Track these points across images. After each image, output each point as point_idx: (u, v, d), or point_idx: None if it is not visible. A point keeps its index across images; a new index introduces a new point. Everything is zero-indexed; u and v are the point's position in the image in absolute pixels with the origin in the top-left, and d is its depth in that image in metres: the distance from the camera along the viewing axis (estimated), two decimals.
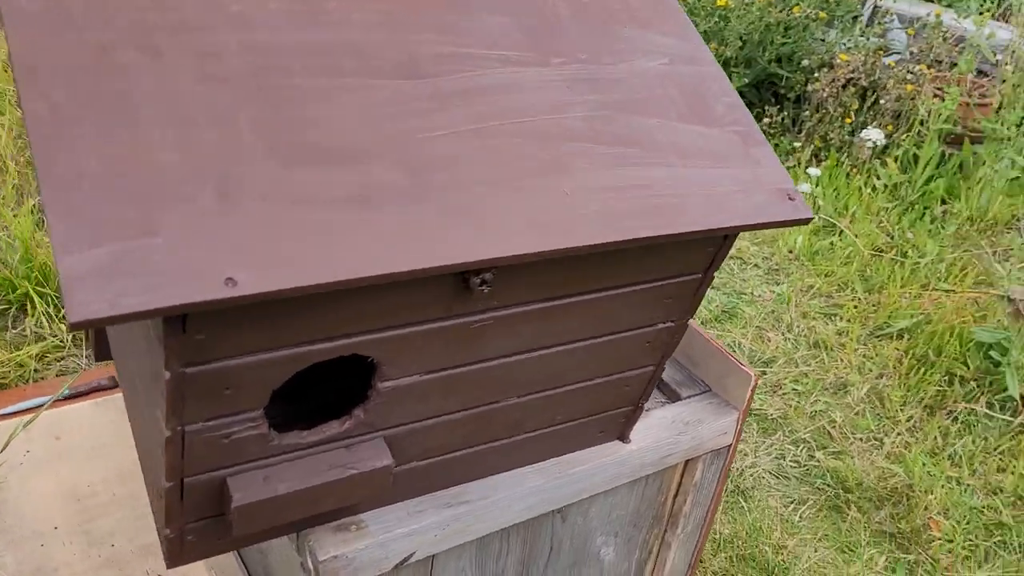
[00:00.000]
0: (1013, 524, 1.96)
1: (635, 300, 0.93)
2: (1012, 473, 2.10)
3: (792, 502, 2.00)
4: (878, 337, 2.58)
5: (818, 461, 2.11)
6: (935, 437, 2.20)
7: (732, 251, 2.95)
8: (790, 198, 0.91)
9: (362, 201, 0.71)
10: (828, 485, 2.05)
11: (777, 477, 2.06)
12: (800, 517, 1.95)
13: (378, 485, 0.88)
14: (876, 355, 2.49)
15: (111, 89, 0.68)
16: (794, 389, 2.35)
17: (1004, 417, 2.27)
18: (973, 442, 2.19)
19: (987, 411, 2.28)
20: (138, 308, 0.59)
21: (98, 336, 1.12)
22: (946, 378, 2.38)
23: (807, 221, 0.91)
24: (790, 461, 2.11)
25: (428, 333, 0.81)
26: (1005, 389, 2.30)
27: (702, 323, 2.56)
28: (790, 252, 2.98)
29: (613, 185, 0.82)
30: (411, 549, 0.98)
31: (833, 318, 2.66)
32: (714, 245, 0.92)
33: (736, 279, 2.82)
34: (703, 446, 1.22)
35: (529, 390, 0.95)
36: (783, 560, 1.82)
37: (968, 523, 1.96)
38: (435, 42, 0.85)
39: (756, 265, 2.91)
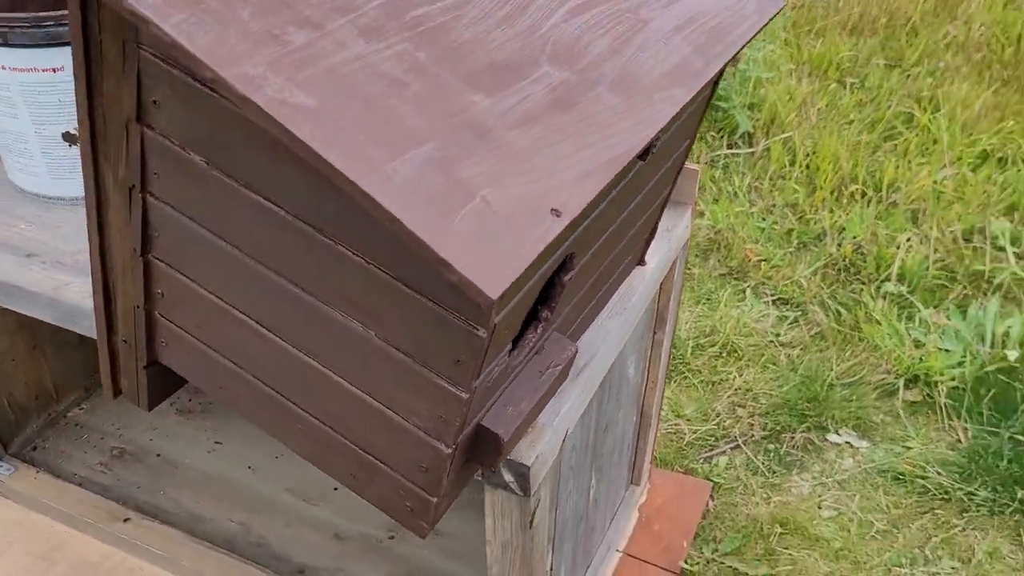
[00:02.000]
0: (798, 226, 2.40)
1: (683, 124, 1.02)
2: (776, 189, 2.53)
3: None
4: None
5: None
6: (711, 186, 2.57)
7: None
8: None
9: (561, 102, 0.72)
10: None
11: None
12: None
13: (569, 370, 0.92)
14: None
15: (320, 74, 0.62)
16: None
17: (748, 150, 2.70)
18: (739, 178, 2.59)
19: (734, 151, 2.69)
20: (527, 261, 0.58)
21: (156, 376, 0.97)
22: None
23: (781, 8, 1.04)
24: None
25: (605, 209, 0.84)
26: (738, 127, 2.72)
27: None
28: None
29: (681, 23, 0.89)
30: (567, 427, 1.04)
31: None
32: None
33: None
34: (679, 245, 1.37)
35: (627, 232, 1.02)
36: None
37: (769, 240, 2.37)
38: None
39: None
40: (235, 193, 0.73)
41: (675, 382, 1.96)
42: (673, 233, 1.32)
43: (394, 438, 0.80)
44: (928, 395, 1.89)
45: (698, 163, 2.66)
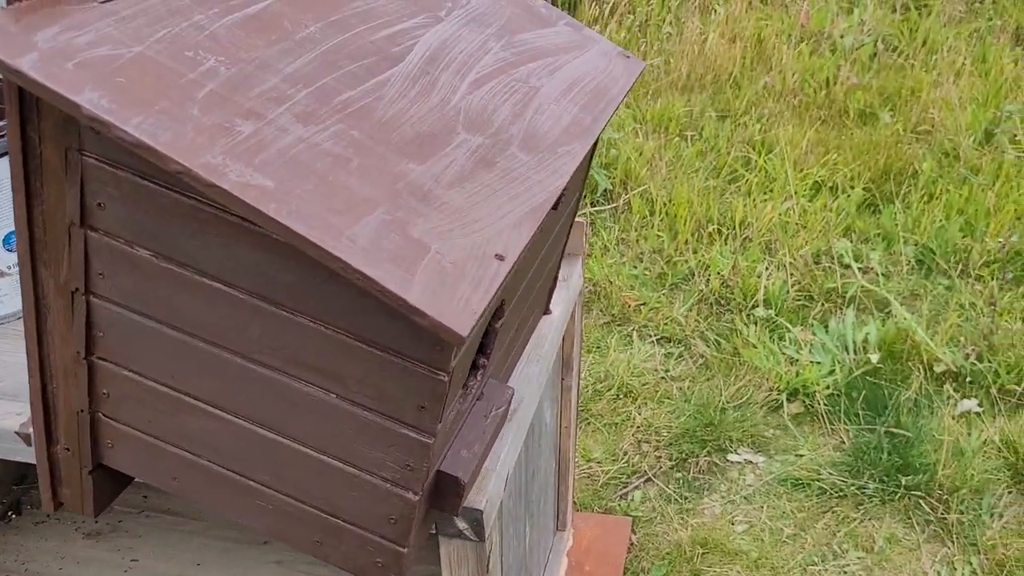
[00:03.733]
0: (667, 269, 2.57)
1: (575, 178, 1.12)
2: (641, 238, 2.71)
3: None
4: None
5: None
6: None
7: None
8: (628, 56, 1.17)
9: (484, 162, 0.81)
10: None
11: None
12: None
13: (507, 411, 0.98)
14: None
15: (272, 158, 0.68)
16: None
17: (610, 206, 2.87)
18: (607, 233, 2.75)
19: (596, 208, 2.86)
20: (485, 303, 0.65)
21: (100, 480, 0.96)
22: None
23: (642, 67, 1.18)
24: None
25: (522, 258, 0.92)
26: (597, 185, 2.89)
27: None
28: None
29: (566, 88, 1.00)
30: (508, 469, 1.10)
31: None
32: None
33: None
34: (576, 293, 1.47)
35: (535, 286, 1.11)
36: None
37: (644, 285, 2.52)
38: (368, 28, 0.91)
39: None
40: (187, 281, 0.76)
41: (580, 428, 2.05)
42: (570, 282, 1.42)
43: (360, 496, 0.83)
44: (809, 405, 2.05)
45: None
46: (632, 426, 2.04)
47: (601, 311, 2.43)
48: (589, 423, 2.06)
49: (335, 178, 0.69)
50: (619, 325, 2.38)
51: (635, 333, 2.34)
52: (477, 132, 0.85)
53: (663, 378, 2.18)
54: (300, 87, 0.77)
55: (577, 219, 1.45)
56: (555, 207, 0.90)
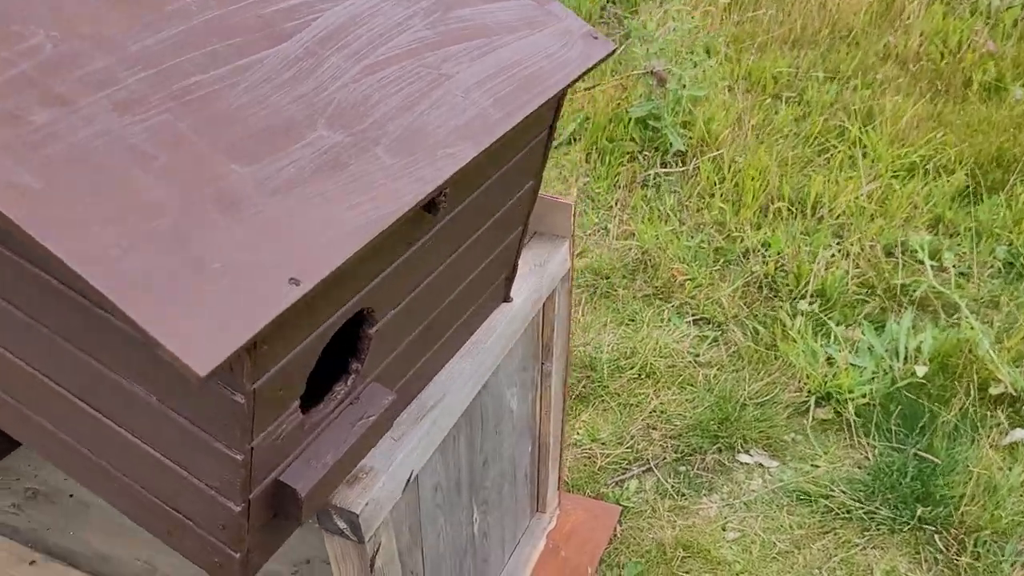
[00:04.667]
0: (725, 244, 2.41)
1: (513, 171, 1.03)
2: (705, 208, 2.55)
3: (572, 306, 2.27)
4: (559, 148, 2.90)
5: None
6: (642, 207, 2.59)
7: None
8: (595, 37, 1.05)
9: (331, 165, 0.74)
10: (590, 280, 2.35)
11: None
12: (583, 314, 2.24)
13: (391, 418, 0.93)
14: (567, 162, 2.81)
15: (57, 153, 0.63)
16: None
17: (679, 169, 2.72)
18: (669, 198, 2.61)
19: (666, 170, 2.71)
20: (250, 334, 0.60)
21: None
22: (627, 157, 2.77)
23: (614, 52, 1.06)
24: None
25: (401, 265, 0.86)
26: (671, 146, 2.73)
27: None
28: None
29: (488, 75, 0.91)
30: (409, 470, 1.05)
31: None
32: (557, 100, 1.05)
33: None
34: (555, 279, 1.39)
35: (457, 284, 1.04)
36: (592, 351, 2.11)
37: (696, 258, 2.38)
38: (263, 1, 0.85)
39: None
40: (22, 268, 0.74)
41: (592, 406, 1.98)
42: (546, 268, 1.34)
43: (194, 497, 0.81)
44: (839, 412, 1.90)
45: (632, 183, 2.68)
46: (646, 410, 1.95)
47: (645, 282, 2.32)
48: (603, 401, 1.98)
49: (125, 180, 0.65)
50: (660, 299, 2.27)
51: (674, 310, 2.22)
52: (341, 128, 0.78)
53: (691, 362, 2.07)
54: (137, 69, 0.72)
55: (563, 201, 1.36)
56: (431, 210, 0.83)
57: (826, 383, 1.93)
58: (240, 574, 0.84)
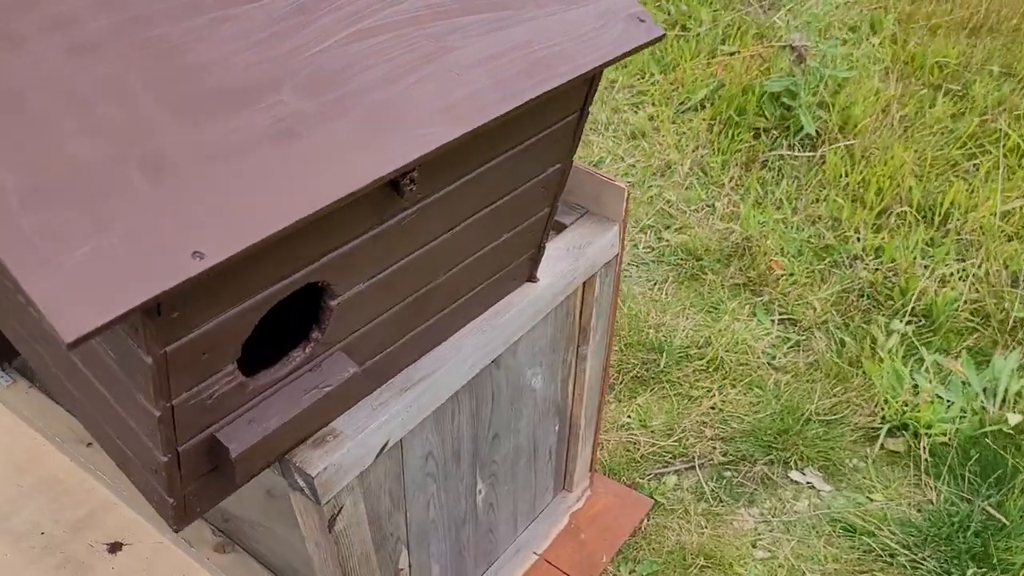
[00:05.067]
0: (836, 243, 2.25)
1: (528, 154, 0.98)
2: (824, 200, 2.38)
3: (655, 283, 2.19)
4: (684, 112, 2.76)
5: (667, 241, 2.30)
6: (756, 189, 2.44)
7: None
8: (641, 20, 0.97)
9: (283, 135, 0.71)
10: (681, 259, 2.25)
11: (636, 266, 2.24)
12: (666, 295, 2.15)
13: (352, 394, 0.92)
14: (688, 130, 2.68)
15: None
16: (628, 182, 2.51)
17: (806, 154, 2.54)
18: (788, 184, 2.45)
19: (792, 153, 2.54)
20: (128, 306, 0.59)
21: None
22: (752, 133, 2.61)
23: (661, 39, 0.97)
24: (643, 248, 2.29)
25: (366, 243, 0.83)
26: (802, 128, 2.55)
27: None
28: None
29: (495, 53, 0.85)
30: (384, 439, 1.04)
31: (640, 106, 2.80)
32: (587, 83, 0.98)
33: None
34: (597, 263, 1.32)
35: (454, 263, 1.00)
36: (664, 335, 2.03)
37: (800, 254, 2.23)
38: None
39: None
40: None
41: (650, 391, 1.91)
42: (584, 252, 1.28)
43: (133, 438, 0.83)
44: (911, 447, 1.75)
45: (751, 162, 2.53)
46: (704, 405, 1.87)
47: (739, 270, 2.20)
48: (663, 387, 1.91)
49: (52, 129, 0.64)
50: (750, 291, 2.14)
51: (762, 305, 2.10)
52: (309, 96, 0.75)
53: (765, 364, 1.95)
54: (103, 14, 0.71)
55: (617, 184, 1.29)
56: (399, 192, 0.79)
57: (904, 413, 1.78)
58: (175, 517, 0.86)
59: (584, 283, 1.35)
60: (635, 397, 1.90)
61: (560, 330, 1.37)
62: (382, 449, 1.05)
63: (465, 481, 1.33)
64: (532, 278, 1.22)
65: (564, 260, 1.26)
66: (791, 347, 1.99)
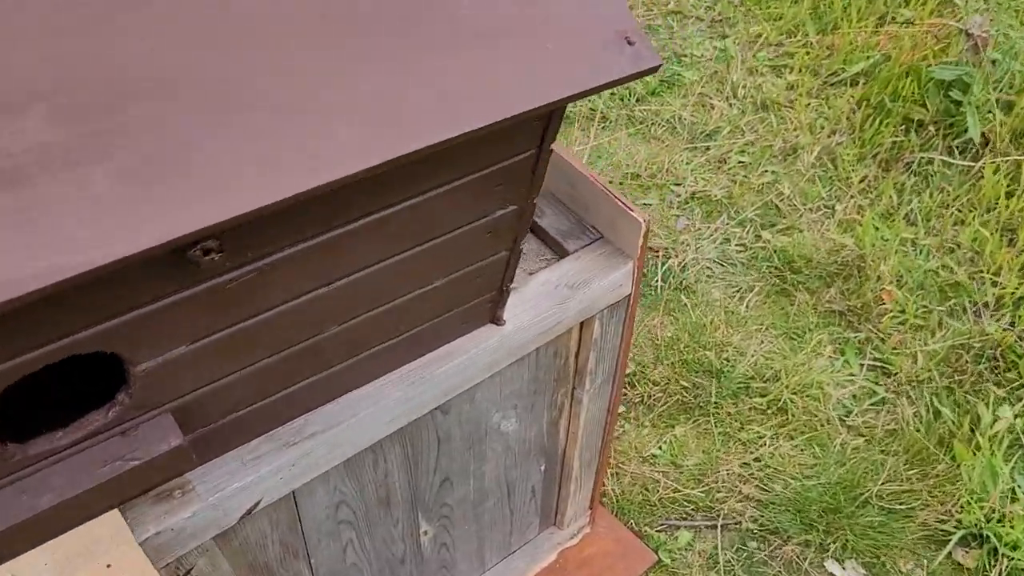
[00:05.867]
0: (967, 283, 1.86)
1: (451, 199, 0.74)
2: (969, 225, 1.97)
3: (737, 291, 1.89)
4: (832, 86, 2.36)
5: (765, 242, 1.98)
6: (890, 196, 2.05)
7: (670, 5, 2.65)
8: (629, 43, 0.70)
9: (10, 182, 0.52)
10: (775, 267, 1.93)
11: (722, 265, 1.95)
12: (746, 307, 1.86)
13: (175, 466, 0.74)
14: (829, 108, 2.29)
15: None
16: (740, 162, 2.17)
17: (964, 163, 2.11)
18: (930, 196, 2.05)
19: (946, 158, 2.12)
20: None
21: None
22: (903, 126, 2.20)
23: (653, 70, 0.70)
24: (735, 245, 1.98)
25: (168, 308, 0.63)
26: (965, 131, 2.12)
27: (636, 100, 2.33)
28: None
29: (380, 86, 0.61)
30: (255, 499, 0.87)
31: (783, 71, 2.42)
32: (541, 119, 0.72)
33: (676, 38, 2.55)
34: (597, 305, 1.08)
35: (350, 315, 0.80)
36: (727, 358, 1.75)
37: (921, 289, 1.87)
38: None
39: (698, 18, 2.62)
40: None
41: (692, 423, 1.65)
42: (582, 290, 1.03)
43: None
44: (987, 563, 1.43)
45: (894, 160, 2.13)
46: (750, 453, 1.60)
47: (841, 293, 1.86)
48: (707, 421, 1.65)
49: None
50: (846, 323, 1.81)
51: (855, 344, 1.77)
52: (68, 120, 0.54)
53: (837, 418, 1.65)
54: None
55: (634, 215, 1.02)
56: (193, 262, 0.59)
57: (988, 521, 1.45)
58: None
59: (581, 323, 1.11)
60: (673, 426, 1.65)
61: (545, 371, 1.14)
62: (250, 510, 0.88)
63: (402, 525, 1.15)
64: (496, 320, 0.99)
65: (548, 299, 1.02)
66: (874, 404, 1.67)
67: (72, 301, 0.58)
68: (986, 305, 1.81)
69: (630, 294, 1.11)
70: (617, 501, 1.56)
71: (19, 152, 0.53)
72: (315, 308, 0.75)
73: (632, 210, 1.04)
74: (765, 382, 1.71)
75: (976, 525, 1.46)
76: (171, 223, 0.54)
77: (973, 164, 2.09)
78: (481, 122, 0.63)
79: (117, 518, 0.83)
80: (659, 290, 1.88)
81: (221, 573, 0.92)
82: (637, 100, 2.33)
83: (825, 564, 1.46)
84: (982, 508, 1.47)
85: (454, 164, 0.71)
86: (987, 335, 1.75)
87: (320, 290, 0.73)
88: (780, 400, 1.67)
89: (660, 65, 0.71)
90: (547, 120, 0.73)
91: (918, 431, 1.61)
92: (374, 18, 0.63)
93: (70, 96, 0.55)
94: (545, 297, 1.03)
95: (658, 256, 1.95)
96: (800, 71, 2.40)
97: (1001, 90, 2.14)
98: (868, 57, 2.37)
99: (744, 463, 1.59)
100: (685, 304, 1.85)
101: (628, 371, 1.74)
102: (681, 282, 1.90)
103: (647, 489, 1.57)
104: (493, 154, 0.73)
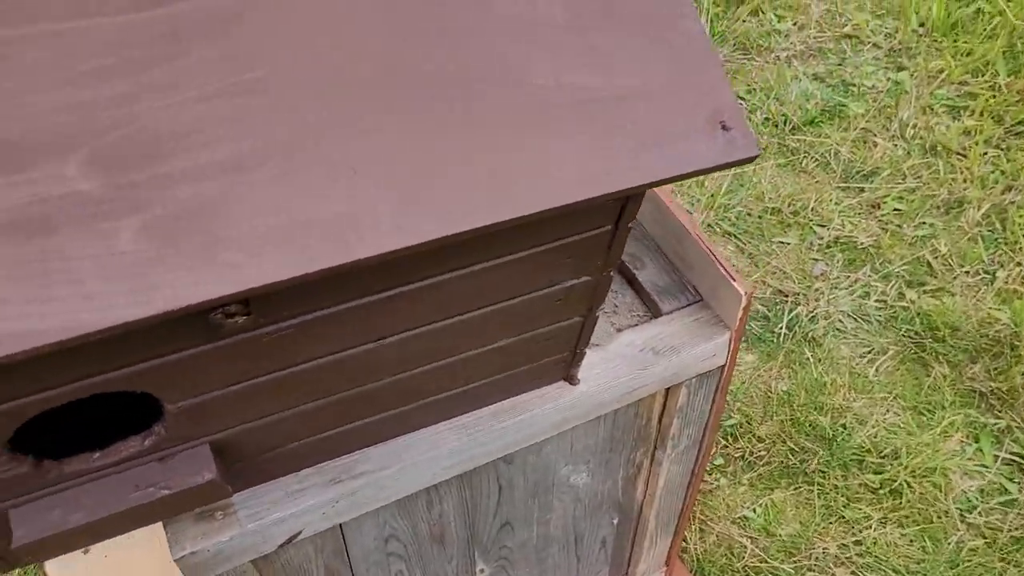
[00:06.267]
0: None
1: (512, 270, 0.70)
2: None
3: (869, 351, 1.75)
4: (1016, 136, 2.14)
5: (909, 302, 1.82)
6: None
7: (845, 28, 2.47)
8: (724, 127, 0.63)
9: (29, 230, 0.52)
10: (916, 332, 1.77)
11: (856, 320, 1.80)
12: (876, 371, 1.71)
13: (204, 496, 0.74)
14: (1008, 162, 2.07)
15: None
16: (896, 209, 2.01)
17: None
18: None
19: None
20: None
21: None
22: None
23: (747, 161, 0.63)
24: (875, 301, 1.83)
25: (197, 357, 0.62)
26: None
27: (791, 128, 2.19)
28: (920, 26, 2.46)
29: (430, 158, 0.57)
30: (295, 529, 0.86)
31: (961, 113, 2.21)
32: (618, 200, 0.67)
33: (847, 65, 2.37)
34: (684, 373, 1.01)
35: (403, 369, 0.77)
36: (844, 425, 1.62)
37: None
38: None
39: (875, 45, 2.43)
40: None
41: (796, 489, 1.54)
42: (669, 357, 0.97)
43: None
44: None
45: None
46: (851, 535, 1.48)
47: (987, 372, 1.69)
48: (809, 490, 1.54)
49: None
50: (987, 406, 1.64)
51: (991, 431, 1.60)
52: (105, 171, 0.54)
53: (956, 512, 1.50)
54: None
55: (737, 287, 0.95)
56: (216, 324, 0.58)
57: None
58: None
59: (667, 388, 1.04)
60: (772, 490, 1.55)
61: (623, 431, 1.08)
62: (290, 539, 0.87)
63: (456, 562, 1.12)
64: (569, 379, 0.94)
65: (630, 363, 0.96)
66: (1003, 503, 1.51)
67: (93, 349, 0.57)
68: None
69: (724, 365, 1.04)
70: (697, 560, 1.48)
71: (53, 198, 0.53)
72: (363, 362, 0.73)
73: (734, 280, 0.96)
74: (882, 458, 1.57)
75: None
76: (189, 288, 0.52)
77: None
78: (535, 207, 0.58)
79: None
80: (781, 338, 1.76)
81: None
82: (792, 129, 2.19)
83: None
84: None
85: (511, 241, 0.66)
86: None
87: (368, 345, 0.71)
88: (896, 481, 1.53)
89: (756, 155, 0.63)
90: (624, 201, 0.67)
91: None
92: (442, 83, 0.59)
93: (113, 144, 0.54)
94: (627, 360, 0.96)
95: (786, 301, 1.83)
96: (981, 115, 2.18)
97: None
98: None
99: (843, 544, 1.47)
100: (808, 358, 1.73)
101: (731, 422, 1.64)
102: (807, 333, 1.77)
103: (732, 553, 1.48)
104: (558, 231, 0.68)
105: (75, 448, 0.70)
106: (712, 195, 2.02)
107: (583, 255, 0.72)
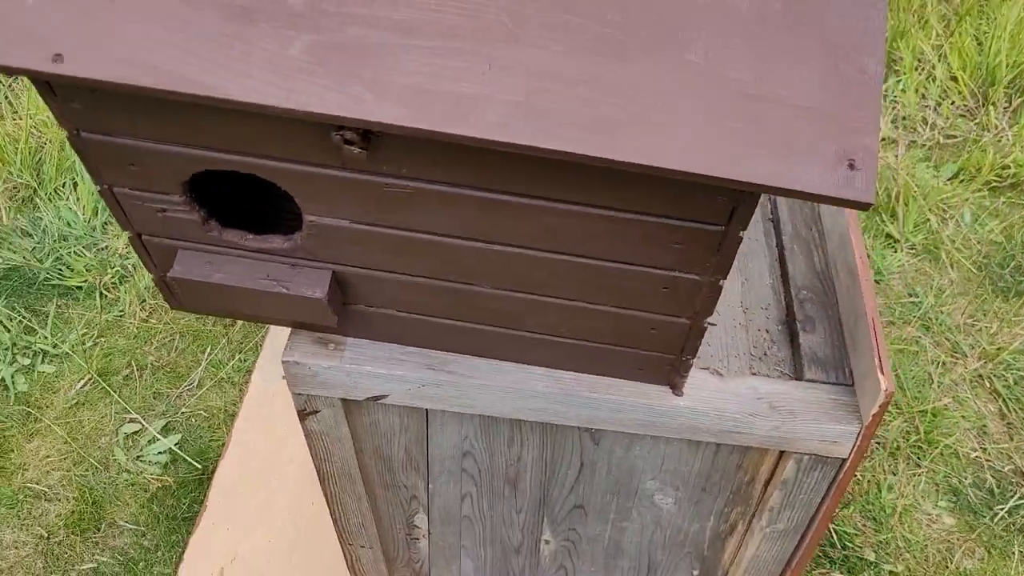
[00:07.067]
0: None
1: (626, 230, 0.74)
2: None
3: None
4: None
5: None
6: None
7: None
8: (851, 165, 0.62)
9: (239, 15, 0.66)
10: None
11: None
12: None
13: (314, 313, 0.87)
14: None
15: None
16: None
17: None
18: None
19: None
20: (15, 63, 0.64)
21: None
22: None
23: (860, 205, 0.61)
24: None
25: (331, 179, 0.74)
26: None
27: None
28: None
29: (567, 75, 0.64)
30: (382, 391, 0.97)
31: None
32: (730, 197, 0.68)
33: None
34: (795, 443, 0.96)
35: (503, 284, 0.84)
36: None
37: None
38: None
39: None
40: None
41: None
42: (783, 419, 0.94)
43: None
44: None
45: None
46: None
47: None
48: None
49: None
50: None
51: None
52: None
53: None
54: None
55: (880, 376, 0.89)
56: (336, 146, 0.69)
57: None
58: (164, 294, 0.94)
59: (780, 454, 1.00)
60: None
61: (722, 476, 1.06)
62: (376, 398, 0.98)
63: (525, 516, 1.17)
64: (673, 387, 0.95)
65: (740, 404, 0.94)
66: None
67: (248, 131, 0.71)
68: None
69: (846, 460, 0.97)
70: None
71: (265, 1, 0.66)
72: (471, 258, 0.80)
73: (882, 372, 0.90)
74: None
75: None
76: (315, 101, 0.63)
77: None
78: (631, 158, 0.62)
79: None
80: (995, 518, 1.56)
81: (340, 435, 1.04)
82: None
83: None
84: None
85: (619, 194, 0.70)
86: None
87: (476, 243, 0.79)
88: None
89: (870, 204, 0.61)
90: (735, 200, 0.68)
91: None
92: (602, 32, 0.65)
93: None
94: (741, 400, 0.95)
95: (1022, 486, 1.61)
96: None
97: None
98: None
99: None
100: (1014, 552, 1.52)
101: (892, 567, 1.49)
102: None
103: None
104: (666, 206, 0.70)
105: (235, 224, 0.85)
106: (999, 348, 1.82)
107: (692, 246, 0.74)
